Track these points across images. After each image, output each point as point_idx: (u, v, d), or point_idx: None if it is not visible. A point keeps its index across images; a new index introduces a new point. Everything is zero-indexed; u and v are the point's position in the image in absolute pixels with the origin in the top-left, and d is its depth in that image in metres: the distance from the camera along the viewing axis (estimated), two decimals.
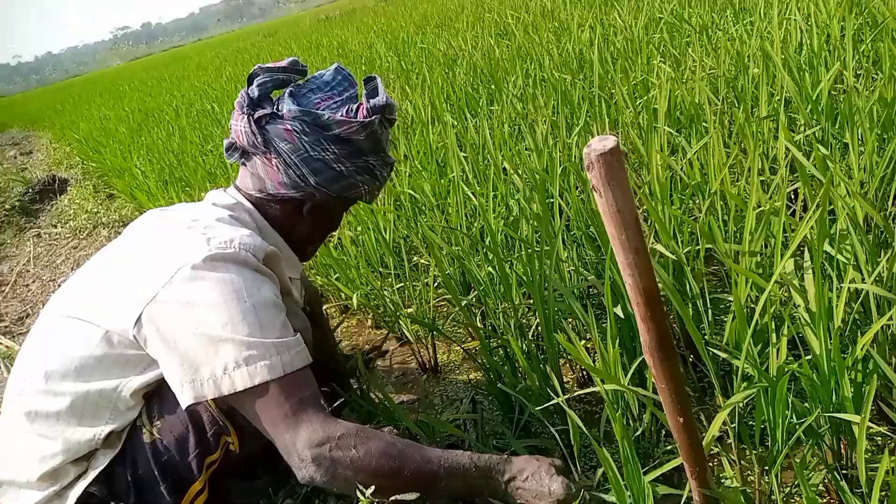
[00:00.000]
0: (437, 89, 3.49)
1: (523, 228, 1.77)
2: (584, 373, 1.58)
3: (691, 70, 2.41)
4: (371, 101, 1.19)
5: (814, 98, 1.82)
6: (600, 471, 1.17)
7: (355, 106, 1.19)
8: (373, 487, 0.99)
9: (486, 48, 4.39)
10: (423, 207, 2.26)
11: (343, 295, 2.24)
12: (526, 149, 2.23)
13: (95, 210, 4.60)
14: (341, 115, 1.17)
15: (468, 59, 4.14)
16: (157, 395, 1.16)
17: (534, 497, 1.04)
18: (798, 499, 1.09)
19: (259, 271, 1.14)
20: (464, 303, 1.86)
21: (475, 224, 2.15)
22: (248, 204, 1.26)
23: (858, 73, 2.07)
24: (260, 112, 1.18)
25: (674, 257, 1.28)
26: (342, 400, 1.44)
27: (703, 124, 1.96)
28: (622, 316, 1.27)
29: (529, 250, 1.66)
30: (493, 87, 3.33)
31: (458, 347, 1.95)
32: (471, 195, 1.94)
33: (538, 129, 2.24)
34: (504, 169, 2.07)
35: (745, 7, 3.23)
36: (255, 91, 1.18)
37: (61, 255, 3.97)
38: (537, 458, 1.10)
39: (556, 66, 3.17)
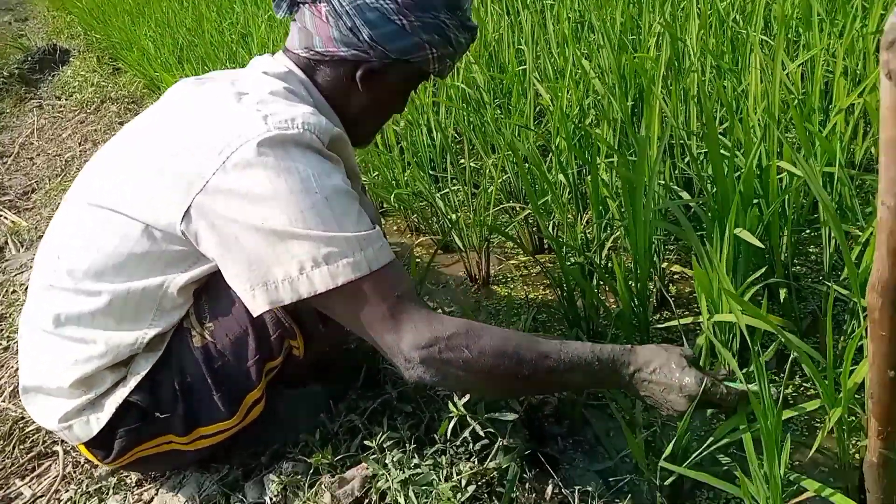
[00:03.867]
0: None
1: (604, 130, 1.58)
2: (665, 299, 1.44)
3: None
4: None
5: None
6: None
7: None
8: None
9: None
10: (477, 105, 2.04)
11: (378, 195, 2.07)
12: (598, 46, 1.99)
13: (103, 84, 4.32)
14: None
15: None
16: (207, 293, 1.01)
17: (662, 391, 0.91)
18: None
19: (324, 155, 0.95)
20: (526, 212, 1.71)
21: (542, 126, 1.96)
22: (300, 73, 1.05)
23: None
24: None
25: None
26: None
27: None
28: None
29: (613, 157, 1.48)
30: None
31: (508, 262, 1.81)
32: (542, 90, 1.73)
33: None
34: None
35: None
36: None
37: (67, 128, 3.73)
38: (665, 348, 0.95)
39: None
